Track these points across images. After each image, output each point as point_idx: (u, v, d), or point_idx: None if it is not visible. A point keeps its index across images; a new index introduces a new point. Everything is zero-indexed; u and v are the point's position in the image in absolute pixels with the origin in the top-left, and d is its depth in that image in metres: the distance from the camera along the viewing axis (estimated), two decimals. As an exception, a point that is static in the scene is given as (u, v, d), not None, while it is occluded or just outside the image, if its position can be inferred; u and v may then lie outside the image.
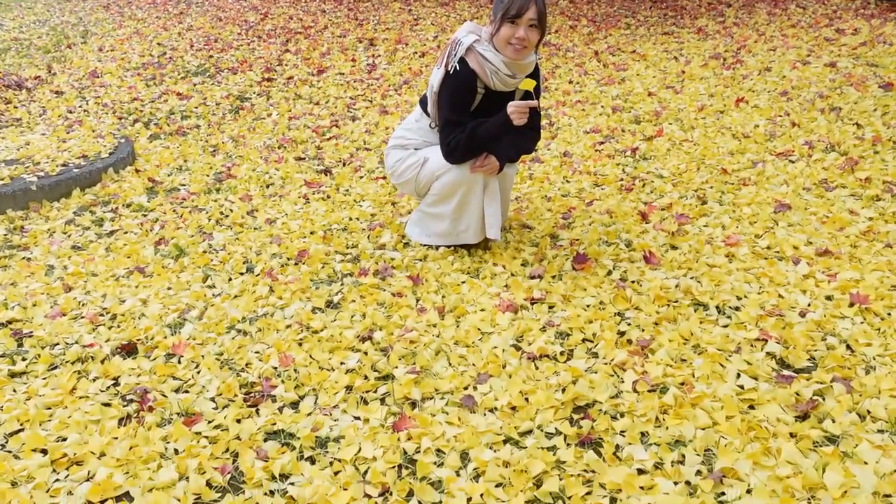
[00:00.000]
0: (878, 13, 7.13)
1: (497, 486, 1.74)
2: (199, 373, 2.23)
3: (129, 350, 2.35)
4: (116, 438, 1.92)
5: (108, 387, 2.16)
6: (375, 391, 2.13)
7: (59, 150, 4.14)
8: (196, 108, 5.41)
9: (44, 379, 2.20)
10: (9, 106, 5.27)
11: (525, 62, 2.70)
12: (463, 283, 2.75)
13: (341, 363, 2.25)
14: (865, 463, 1.73)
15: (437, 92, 2.77)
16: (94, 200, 3.71)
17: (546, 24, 2.67)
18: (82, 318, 2.56)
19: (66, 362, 2.28)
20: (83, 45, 7.30)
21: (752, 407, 1.97)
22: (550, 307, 2.56)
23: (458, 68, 2.68)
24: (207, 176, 4.08)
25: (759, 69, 5.51)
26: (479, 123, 2.69)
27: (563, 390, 2.07)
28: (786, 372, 2.10)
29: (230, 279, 2.86)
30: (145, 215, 3.54)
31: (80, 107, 5.32)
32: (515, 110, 2.61)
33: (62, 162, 3.94)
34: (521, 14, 2.58)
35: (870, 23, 6.60)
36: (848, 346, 2.22)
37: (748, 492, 1.68)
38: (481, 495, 1.70)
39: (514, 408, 2.02)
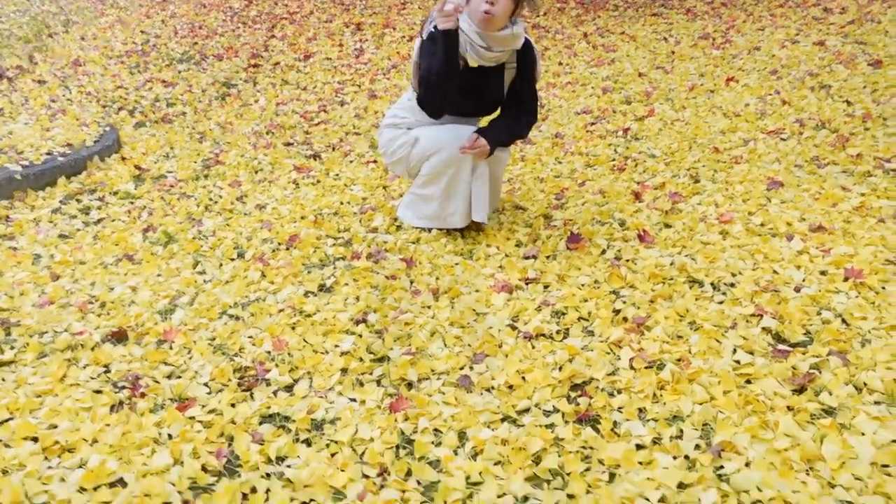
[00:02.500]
0: (865, -8, 7.11)
1: (495, 464, 1.73)
2: (191, 358, 2.20)
3: (119, 337, 2.32)
4: (108, 425, 1.89)
5: (99, 374, 2.13)
6: (371, 373, 2.11)
7: (42, 139, 4.08)
8: (182, 95, 5.34)
9: (33, 367, 2.16)
10: (-9, 96, 5.19)
11: (500, 34, 2.63)
12: (457, 264, 2.73)
13: (336, 346, 2.23)
14: (863, 434, 1.73)
15: (416, 61, 2.75)
16: (80, 189, 3.66)
17: None
18: (71, 306, 2.52)
19: (56, 350, 2.25)
20: (65, 34, 7.20)
21: (748, 381, 1.96)
22: (545, 287, 2.55)
23: (433, 32, 2.63)
24: (195, 163, 4.04)
25: (748, 48, 5.50)
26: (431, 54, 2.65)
27: (560, 368, 2.06)
28: (782, 346, 2.09)
29: (221, 265, 2.83)
30: (132, 203, 3.50)
31: (63, 96, 5.24)
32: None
33: (46, 151, 3.88)
34: None
35: (857, 1, 6.58)
36: (843, 320, 2.21)
37: (747, 465, 1.67)
38: (480, 473, 1.69)
39: (511, 387, 2.01)
